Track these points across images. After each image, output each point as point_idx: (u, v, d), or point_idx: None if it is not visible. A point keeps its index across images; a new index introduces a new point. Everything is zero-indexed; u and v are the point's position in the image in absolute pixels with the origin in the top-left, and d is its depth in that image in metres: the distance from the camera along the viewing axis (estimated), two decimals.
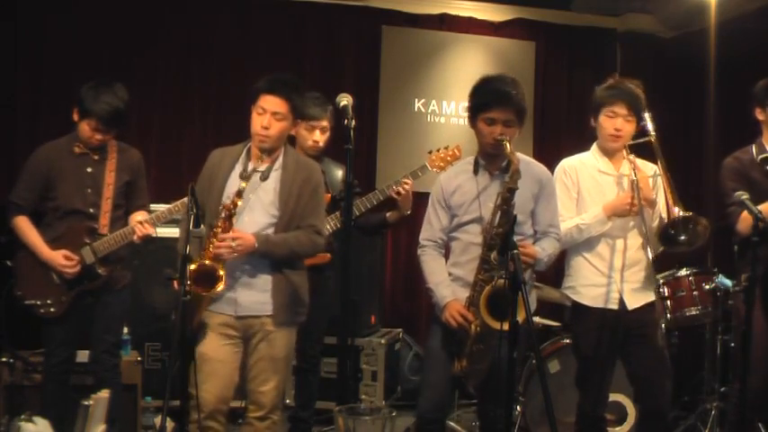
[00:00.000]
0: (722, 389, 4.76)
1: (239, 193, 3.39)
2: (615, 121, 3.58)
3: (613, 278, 3.59)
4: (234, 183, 3.49)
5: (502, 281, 3.20)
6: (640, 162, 3.65)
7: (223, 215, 3.39)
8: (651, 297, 3.65)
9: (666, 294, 4.44)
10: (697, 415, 4.89)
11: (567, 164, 3.72)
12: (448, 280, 3.41)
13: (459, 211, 3.42)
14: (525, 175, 3.33)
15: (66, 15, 5.62)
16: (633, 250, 3.61)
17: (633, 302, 3.59)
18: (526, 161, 3.40)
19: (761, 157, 3.91)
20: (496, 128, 3.32)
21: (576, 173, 3.67)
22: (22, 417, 3.84)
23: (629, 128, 3.59)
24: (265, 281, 3.52)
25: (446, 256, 3.54)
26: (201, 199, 3.50)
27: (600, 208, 3.57)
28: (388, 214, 4.45)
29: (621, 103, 3.56)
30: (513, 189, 3.24)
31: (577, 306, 3.67)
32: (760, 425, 4.42)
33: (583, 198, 3.63)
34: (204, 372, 3.39)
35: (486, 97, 3.35)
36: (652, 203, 3.53)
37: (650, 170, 3.65)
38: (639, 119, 3.61)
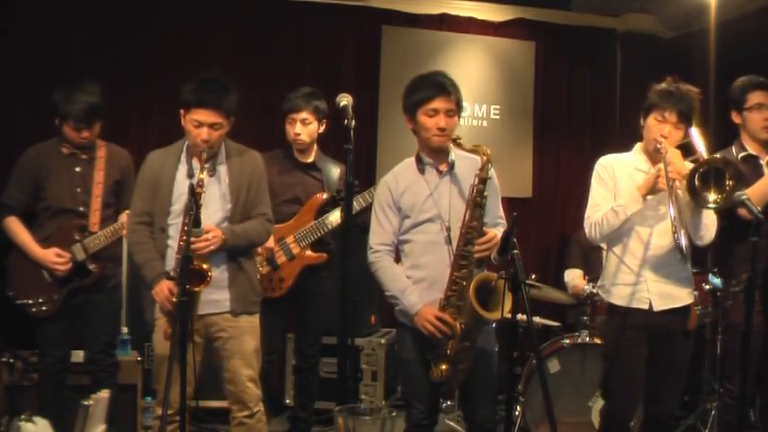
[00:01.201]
0: (722, 389, 4.76)
1: (200, 184, 3.38)
2: (663, 127, 3.46)
3: (643, 276, 3.52)
4: (181, 183, 3.51)
5: (486, 274, 3.22)
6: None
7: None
8: (683, 301, 3.55)
9: None
10: (697, 415, 4.89)
11: (605, 160, 3.65)
12: (412, 285, 3.36)
13: (412, 212, 3.38)
14: (471, 167, 3.34)
15: (65, 15, 5.61)
16: (666, 249, 3.51)
17: (660, 304, 3.50)
18: (469, 156, 3.36)
19: (741, 155, 3.94)
20: (439, 118, 3.32)
21: (612, 169, 3.60)
22: (23, 417, 3.84)
23: (676, 135, 3.48)
24: (221, 277, 3.55)
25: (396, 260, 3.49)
26: (149, 202, 3.55)
27: (634, 188, 3.49)
28: None
29: (673, 109, 3.46)
30: (485, 179, 3.24)
31: (610, 306, 3.62)
32: (759, 424, 4.43)
33: (619, 194, 3.54)
34: (167, 371, 3.37)
35: (426, 90, 3.35)
36: (679, 176, 3.36)
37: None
38: (689, 127, 3.52)
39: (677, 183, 3.36)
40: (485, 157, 3.24)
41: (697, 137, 3.53)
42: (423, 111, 3.35)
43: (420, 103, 3.35)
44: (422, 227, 3.37)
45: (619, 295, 3.57)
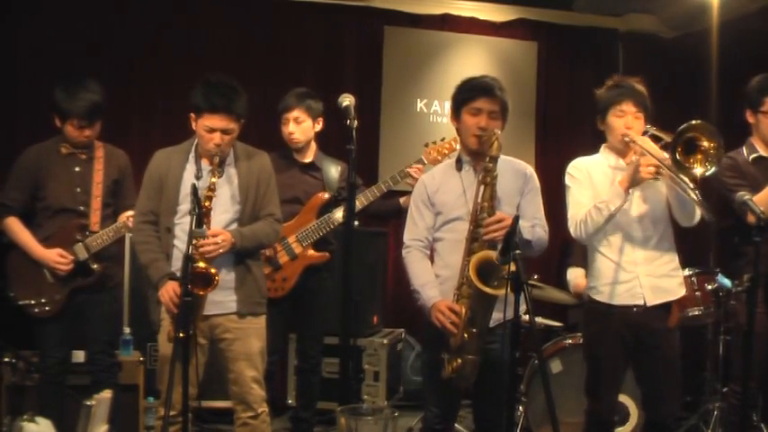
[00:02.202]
0: (724, 389, 4.76)
1: (211, 188, 3.39)
2: (626, 120, 3.52)
3: (634, 272, 3.51)
4: (189, 183, 3.48)
5: (487, 252, 3.16)
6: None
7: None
8: (674, 294, 3.56)
9: None
10: (699, 415, 4.89)
11: (577, 163, 3.67)
12: (435, 281, 3.37)
13: (445, 208, 3.40)
14: (509, 169, 3.36)
15: (66, 15, 5.62)
16: (652, 242, 3.53)
17: (653, 298, 3.50)
18: (508, 159, 3.39)
19: (752, 156, 3.91)
20: (482, 118, 3.33)
21: (587, 170, 3.62)
22: (25, 417, 3.85)
23: (638, 125, 3.53)
24: (228, 278, 3.54)
25: (431, 259, 3.48)
26: (155, 202, 3.55)
27: (611, 185, 3.50)
28: (402, 199, 4.46)
29: (628, 100, 3.52)
30: (495, 158, 3.23)
31: (594, 306, 3.60)
32: (762, 425, 4.42)
33: (598, 194, 3.54)
34: (169, 373, 3.36)
35: (472, 90, 3.38)
36: (663, 160, 3.37)
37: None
38: (647, 116, 3.56)
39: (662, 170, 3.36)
40: (494, 137, 3.25)
41: (654, 129, 3.56)
42: (467, 109, 3.37)
43: (465, 101, 3.38)
44: (452, 224, 3.39)
45: (612, 294, 3.54)
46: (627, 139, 3.48)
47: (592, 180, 3.59)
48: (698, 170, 3.33)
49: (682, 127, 3.34)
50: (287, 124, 4.41)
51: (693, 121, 3.34)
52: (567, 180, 3.66)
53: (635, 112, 3.53)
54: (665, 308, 3.55)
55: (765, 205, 3.56)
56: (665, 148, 3.42)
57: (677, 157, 3.31)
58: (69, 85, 4.03)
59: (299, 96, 4.42)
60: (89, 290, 4.10)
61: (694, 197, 3.31)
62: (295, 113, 4.39)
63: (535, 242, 3.38)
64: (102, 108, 4.09)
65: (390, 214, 4.62)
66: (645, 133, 3.56)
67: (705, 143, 3.31)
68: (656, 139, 3.54)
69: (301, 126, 4.41)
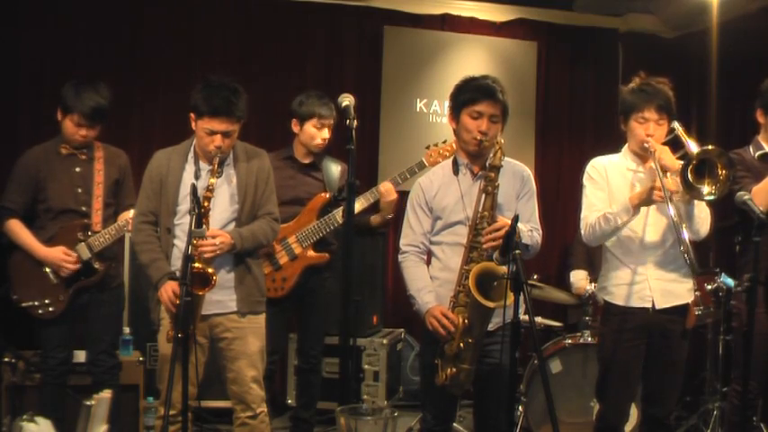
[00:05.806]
0: (724, 389, 4.76)
1: (210, 189, 3.39)
2: (647, 127, 3.48)
3: (644, 275, 3.52)
4: (188, 183, 3.48)
5: (489, 263, 3.17)
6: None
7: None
8: (683, 299, 3.56)
9: None
10: (699, 415, 4.89)
11: (596, 162, 3.65)
12: (430, 286, 3.36)
13: (444, 213, 3.37)
14: (508, 171, 3.33)
15: (68, 15, 5.62)
16: (665, 246, 3.53)
17: (662, 302, 3.51)
18: (506, 160, 3.35)
19: (758, 153, 3.90)
20: (483, 122, 3.29)
21: (605, 170, 3.60)
22: (25, 417, 3.85)
23: (660, 132, 3.50)
24: (227, 277, 3.55)
25: (428, 263, 3.47)
26: (155, 202, 3.55)
27: (627, 189, 3.50)
28: (372, 218, 4.47)
29: (651, 107, 3.47)
30: (497, 167, 3.22)
31: (608, 307, 3.61)
32: (762, 425, 4.42)
33: (613, 195, 3.54)
34: (168, 372, 3.36)
35: (473, 92, 3.33)
36: (679, 172, 3.35)
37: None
38: (671, 119, 3.52)
39: (674, 196, 3.36)
40: (497, 146, 3.23)
41: (680, 130, 3.53)
42: (467, 112, 3.33)
43: (466, 103, 3.34)
44: (452, 229, 3.36)
45: (620, 295, 3.56)
46: (646, 145, 3.45)
47: (608, 181, 3.58)
48: (705, 189, 3.33)
49: (708, 148, 3.34)
50: (321, 129, 4.41)
51: (711, 147, 3.35)
52: (584, 179, 3.64)
53: (657, 119, 3.48)
54: (680, 312, 3.56)
55: (765, 193, 3.57)
56: (682, 158, 3.41)
57: (689, 174, 3.30)
58: (80, 84, 4.05)
59: (329, 103, 4.41)
60: (93, 290, 4.10)
61: (682, 249, 3.31)
62: (332, 120, 4.41)
63: (532, 247, 3.38)
64: (106, 114, 4.09)
65: (362, 230, 4.60)
66: (671, 132, 3.54)
67: (719, 170, 3.31)
68: (676, 144, 3.51)
69: (330, 133, 4.46)
